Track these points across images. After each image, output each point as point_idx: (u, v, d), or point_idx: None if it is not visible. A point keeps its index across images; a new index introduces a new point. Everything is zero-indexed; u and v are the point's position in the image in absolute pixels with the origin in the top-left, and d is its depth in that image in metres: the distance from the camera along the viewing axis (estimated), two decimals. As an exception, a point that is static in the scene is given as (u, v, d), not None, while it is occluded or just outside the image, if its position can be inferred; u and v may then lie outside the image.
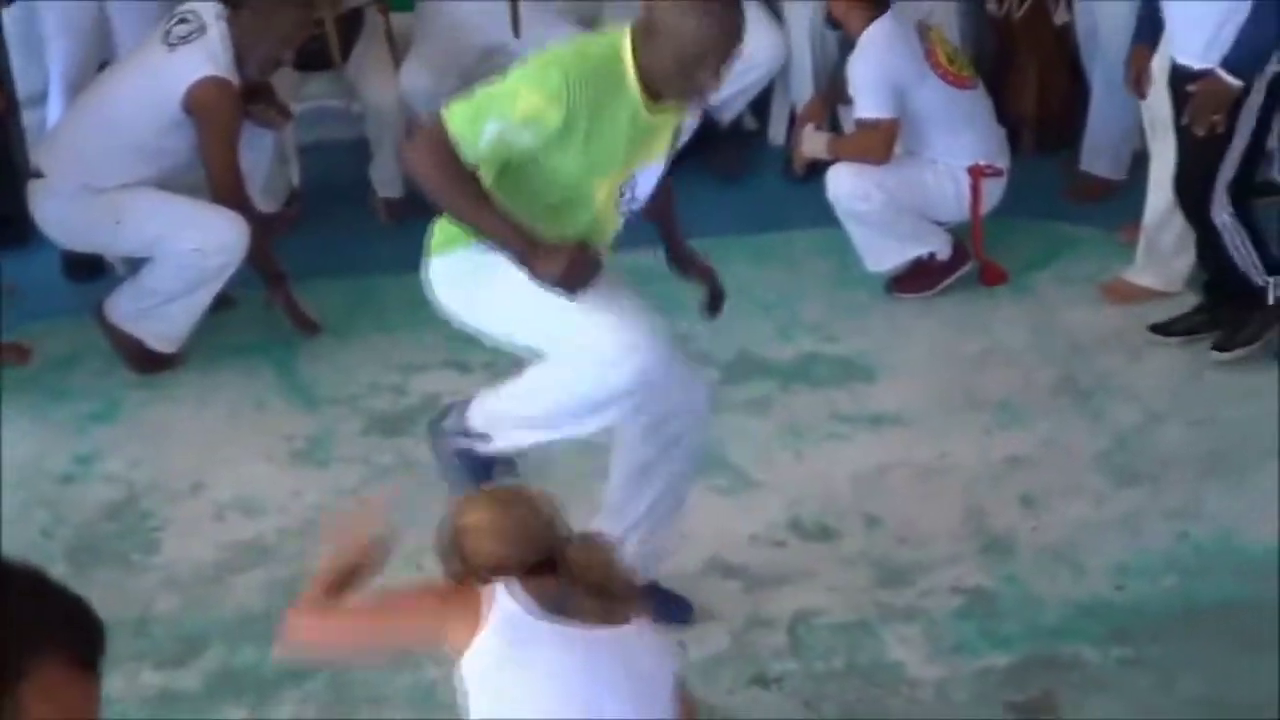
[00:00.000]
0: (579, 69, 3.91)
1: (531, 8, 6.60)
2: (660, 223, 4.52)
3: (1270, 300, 5.47)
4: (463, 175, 3.91)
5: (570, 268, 3.93)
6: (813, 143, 6.16)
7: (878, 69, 5.86)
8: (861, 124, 5.94)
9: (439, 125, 3.92)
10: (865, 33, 5.86)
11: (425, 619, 3.22)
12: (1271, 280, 5.45)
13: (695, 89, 4.00)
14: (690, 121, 4.24)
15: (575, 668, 3.11)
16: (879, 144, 5.88)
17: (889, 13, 5.89)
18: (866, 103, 5.89)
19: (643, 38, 3.93)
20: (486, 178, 3.95)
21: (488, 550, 3.14)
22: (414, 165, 4.05)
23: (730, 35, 3.93)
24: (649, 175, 4.18)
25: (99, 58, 6.37)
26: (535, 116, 3.86)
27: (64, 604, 1.78)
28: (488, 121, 3.87)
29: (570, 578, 3.12)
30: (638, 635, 3.17)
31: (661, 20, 3.90)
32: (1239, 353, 5.52)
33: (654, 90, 3.97)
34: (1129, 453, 5.17)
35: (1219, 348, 5.56)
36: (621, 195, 4.12)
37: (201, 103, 5.58)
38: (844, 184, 5.90)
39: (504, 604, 3.09)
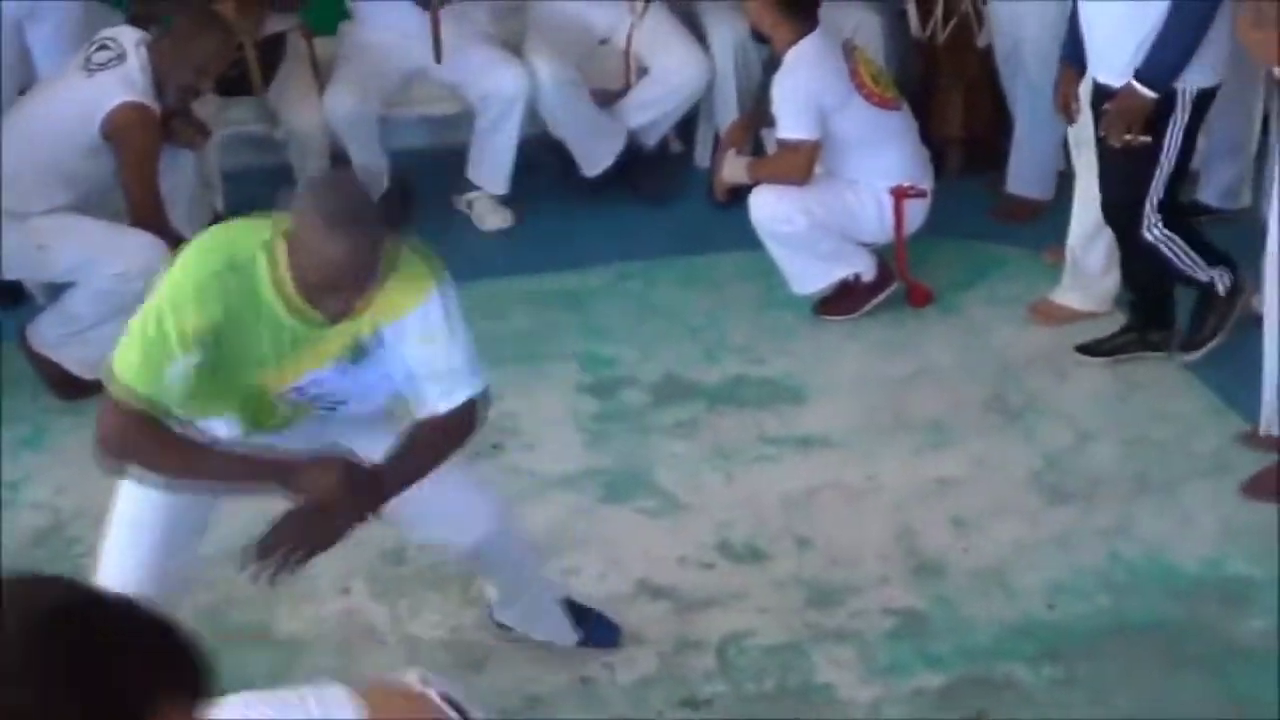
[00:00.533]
0: (209, 285, 3.54)
1: (453, 32, 6.58)
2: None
3: (1220, 291, 5.52)
4: (170, 442, 3.62)
5: (344, 481, 3.66)
6: (733, 168, 6.16)
7: (802, 89, 5.84)
8: (783, 145, 5.92)
9: (120, 400, 3.56)
10: (792, 50, 5.83)
11: None
12: (1215, 273, 5.49)
13: (332, 310, 3.59)
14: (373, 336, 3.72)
15: None
16: (799, 166, 5.87)
17: (817, 31, 5.87)
18: (788, 123, 5.87)
19: (287, 251, 3.53)
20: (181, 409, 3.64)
21: None
22: (118, 451, 3.69)
23: (362, 268, 3.50)
24: (334, 377, 3.77)
25: (16, 83, 6.30)
26: (197, 336, 3.53)
27: (182, 644, 1.76)
28: (166, 367, 3.53)
29: None
30: None
31: (296, 242, 3.49)
32: (1207, 349, 5.59)
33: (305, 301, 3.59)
34: (1059, 472, 5.18)
35: (1186, 348, 5.63)
36: (297, 389, 3.76)
37: (119, 128, 5.54)
38: (766, 207, 5.90)
39: None
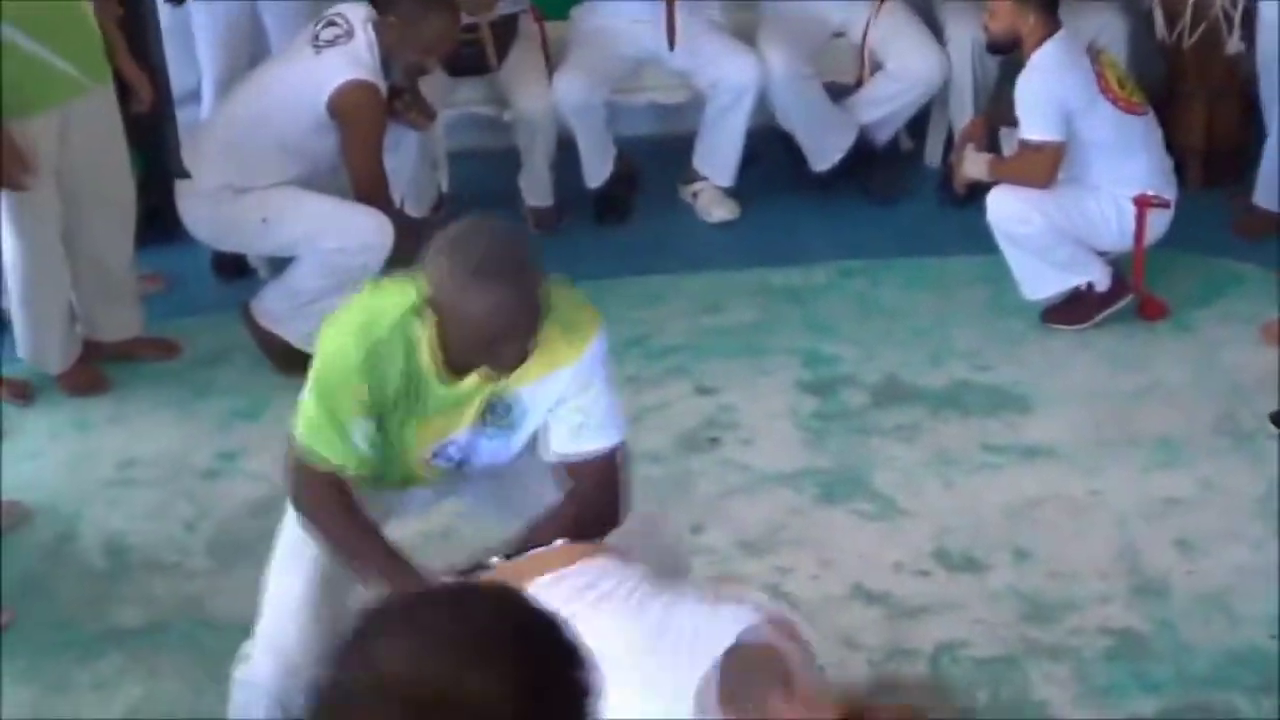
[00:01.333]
0: (372, 349, 3.51)
1: (686, 19, 6.54)
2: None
3: None
4: (353, 519, 3.64)
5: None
6: (974, 164, 6.01)
7: (1048, 90, 5.70)
8: (1026, 146, 5.79)
9: (313, 466, 3.62)
10: (1038, 52, 5.70)
11: None
12: None
13: (502, 363, 3.50)
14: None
15: None
16: (1043, 168, 5.73)
17: (1061, 32, 5.73)
18: (1033, 124, 5.73)
19: (433, 315, 3.46)
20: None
21: None
22: (308, 515, 3.71)
23: (525, 313, 3.39)
24: (473, 440, 3.71)
25: (249, 57, 6.38)
26: (372, 401, 3.54)
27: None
28: (351, 429, 3.55)
29: None
30: None
31: (444, 302, 3.40)
32: None
33: (454, 364, 3.55)
34: (1291, 499, 5.00)
35: None
36: (438, 452, 3.73)
37: (345, 105, 5.56)
38: (1005, 207, 5.77)
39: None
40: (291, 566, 3.81)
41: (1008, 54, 5.94)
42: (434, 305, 3.41)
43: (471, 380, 3.57)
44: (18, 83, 5.23)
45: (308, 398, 3.60)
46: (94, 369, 5.80)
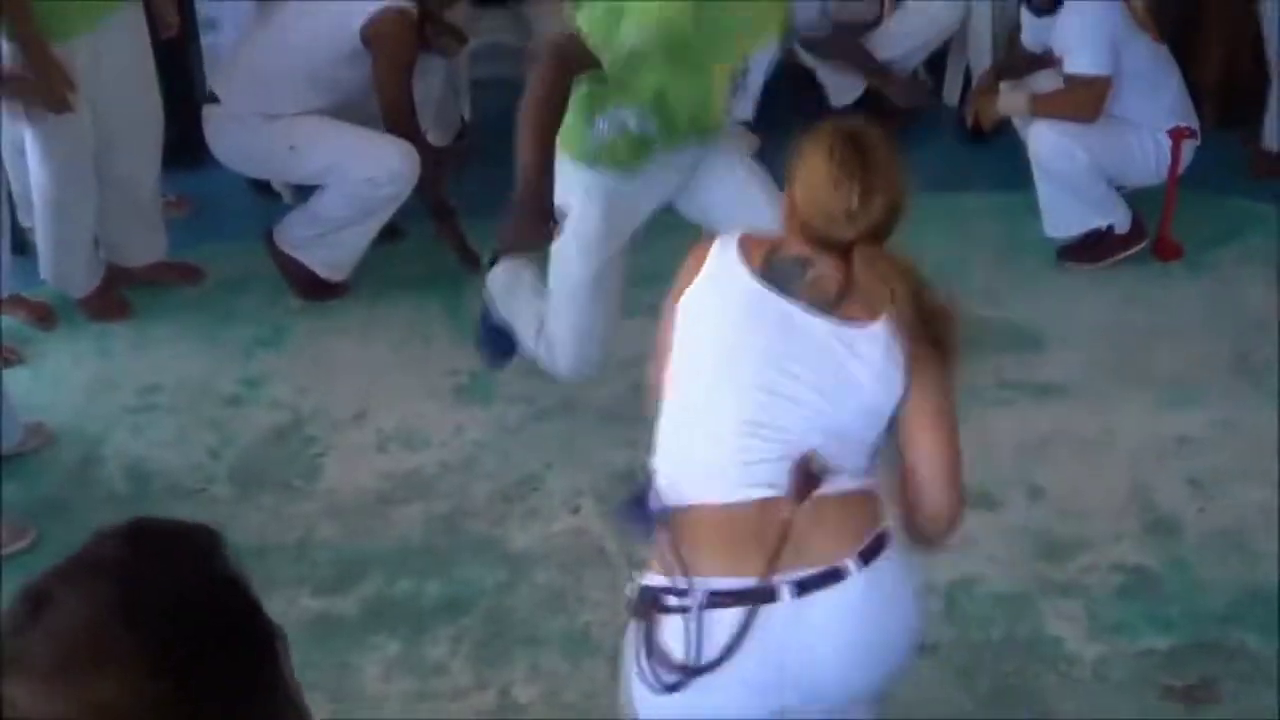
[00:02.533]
0: None
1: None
2: None
3: None
4: (546, 104, 4.15)
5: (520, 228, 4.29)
6: (1010, 101, 5.94)
7: (1097, 21, 5.66)
8: (1073, 80, 5.71)
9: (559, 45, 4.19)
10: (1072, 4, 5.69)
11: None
12: None
13: None
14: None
15: (740, 321, 3.02)
16: (1092, 102, 5.67)
17: None
18: (1082, 58, 5.67)
19: None
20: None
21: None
22: (527, 107, 4.16)
23: None
24: (760, 58, 4.39)
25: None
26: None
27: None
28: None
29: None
30: (867, 340, 2.94)
31: None
32: None
33: None
34: (1305, 436, 5.04)
35: None
36: (736, 75, 4.33)
37: (380, 32, 5.58)
38: (1048, 141, 5.75)
39: (721, 252, 3.06)
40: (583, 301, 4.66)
41: (1046, 11, 5.88)
42: None
43: None
44: (58, 3, 5.26)
45: None
46: (117, 294, 5.85)
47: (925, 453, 3.02)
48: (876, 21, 6.93)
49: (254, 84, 5.72)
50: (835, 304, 2.94)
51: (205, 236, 6.23)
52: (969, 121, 6.22)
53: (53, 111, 5.30)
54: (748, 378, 2.96)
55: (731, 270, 3.02)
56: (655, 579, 2.98)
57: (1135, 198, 5.97)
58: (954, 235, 6.16)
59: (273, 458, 5.05)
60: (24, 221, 5.89)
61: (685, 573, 2.92)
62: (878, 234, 2.96)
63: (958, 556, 4.56)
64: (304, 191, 5.95)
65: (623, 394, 5.14)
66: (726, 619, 2.90)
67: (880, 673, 3.08)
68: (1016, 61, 6.03)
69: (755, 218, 3.97)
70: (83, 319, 5.76)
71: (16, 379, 5.29)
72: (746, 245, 3.05)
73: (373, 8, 5.56)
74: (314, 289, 5.81)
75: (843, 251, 2.94)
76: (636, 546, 4.53)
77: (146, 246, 5.95)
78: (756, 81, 4.52)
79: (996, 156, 5.88)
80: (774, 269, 3.00)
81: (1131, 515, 4.76)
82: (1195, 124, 5.90)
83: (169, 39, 6.02)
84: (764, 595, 2.91)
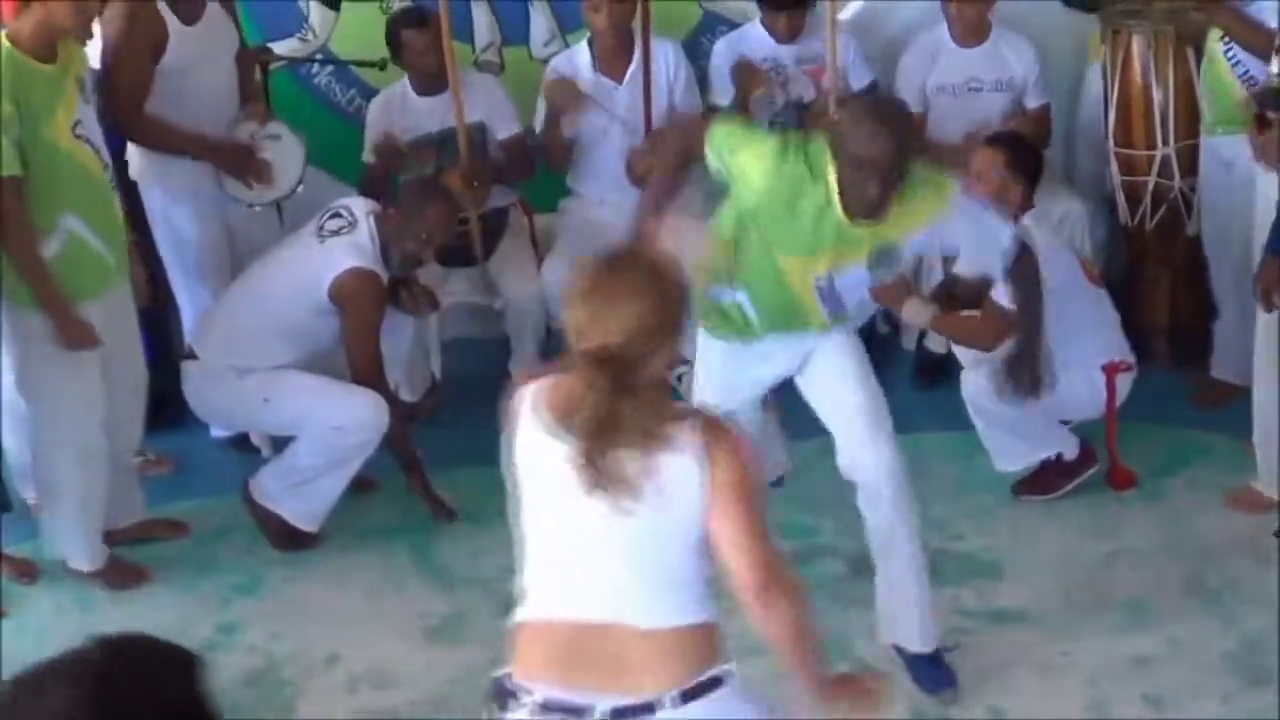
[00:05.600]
0: (794, 148, 4.59)
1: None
2: None
3: None
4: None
5: None
6: (916, 311, 5.87)
7: None
8: (991, 308, 5.70)
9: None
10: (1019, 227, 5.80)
11: None
12: None
13: (866, 202, 4.48)
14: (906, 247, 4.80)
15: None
16: (997, 336, 5.75)
17: (1034, 212, 5.98)
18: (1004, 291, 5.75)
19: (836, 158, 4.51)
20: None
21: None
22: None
23: (891, 152, 4.40)
24: (849, 280, 4.77)
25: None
26: (742, 171, 4.62)
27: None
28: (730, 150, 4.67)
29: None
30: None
31: (843, 131, 4.50)
32: None
33: (850, 203, 4.51)
34: (1259, 654, 5.14)
35: None
36: (819, 285, 4.72)
37: (347, 292, 5.84)
38: (976, 384, 5.94)
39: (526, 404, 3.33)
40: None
41: None
42: (836, 148, 4.49)
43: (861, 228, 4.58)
44: (77, 269, 5.49)
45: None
46: (129, 562, 5.92)
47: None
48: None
49: (229, 340, 5.96)
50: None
51: (186, 493, 6.37)
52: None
53: (72, 349, 5.46)
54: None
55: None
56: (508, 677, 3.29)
57: (1087, 428, 6.14)
58: (912, 474, 6.18)
59: (247, 700, 5.13)
60: (23, 492, 6.05)
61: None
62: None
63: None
64: (281, 445, 6.12)
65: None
66: None
67: None
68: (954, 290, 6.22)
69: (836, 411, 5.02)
70: (63, 573, 5.83)
71: (-1, 631, 5.38)
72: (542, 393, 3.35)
73: (341, 268, 5.83)
74: (288, 539, 5.94)
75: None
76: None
77: (131, 507, 6.07)
78: (851, 298, 4.90)
79: (949, 397, 6.05)
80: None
81: (1091, 733, 4.85)
82: (1130, 358, 6.09)
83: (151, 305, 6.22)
84: (583, 713, 3.17)
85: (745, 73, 6.95)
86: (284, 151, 6.37)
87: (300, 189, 6.48)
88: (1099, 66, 7.09)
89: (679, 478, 3.20)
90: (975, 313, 5.79)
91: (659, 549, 3.25)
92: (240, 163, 6.27)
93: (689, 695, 3.18)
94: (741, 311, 4.88)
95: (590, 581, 3.28)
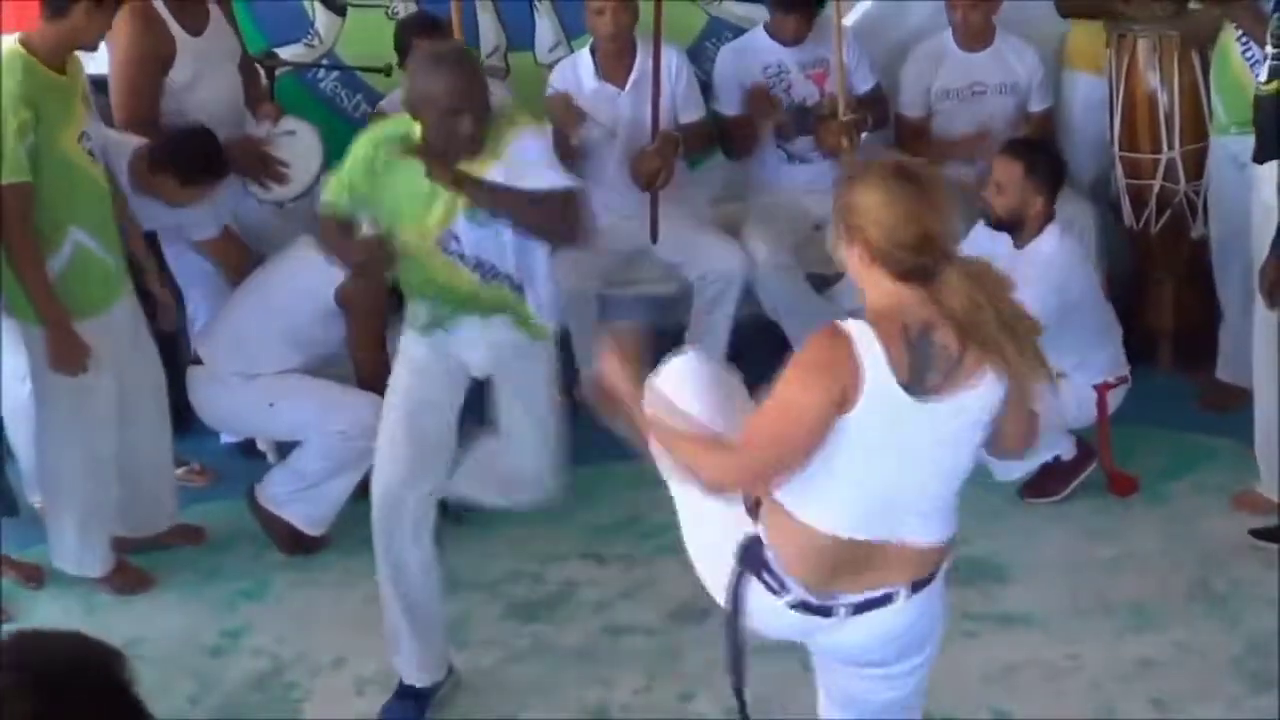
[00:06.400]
0: (361, 150, 4.77)
1: (672, 214, 6.79)
2: None
3: None
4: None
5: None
6: None
7: (1058, 284, 5.78)
8: None
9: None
10: (1049, 240, 5.90)
11: (801, 398, 3.35)
12: None
13: (456, 142, 4.55)
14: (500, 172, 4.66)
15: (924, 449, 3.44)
16: None
17: (1058, 220, 5.95)
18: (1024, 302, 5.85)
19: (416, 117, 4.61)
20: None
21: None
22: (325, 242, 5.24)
23: (460, 86, 4.50)
24: (474, 235, 4.69)
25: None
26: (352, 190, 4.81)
27: None
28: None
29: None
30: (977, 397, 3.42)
31: (416, 95, 4.57)
32: None
33: (434, 151, 4.59)
34: (1264, 658, 5.14)
35: None
36: (444, 245, 4.70)
37: (353, 293, 5.85)
38: None
39: (875, 376, 3.30)
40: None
41: (1007, 230, 6.02)
42: (411, 106, 4.60)
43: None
44: (85, 282, 5.52)
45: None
46: (135, 566, 5.94)
47: None
48: (839, 275, 7.15)
49: (235, 345, 5.99)
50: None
51: (194, 498, 6.37)
52: None
53: (68, 374, 5.47)
54: None
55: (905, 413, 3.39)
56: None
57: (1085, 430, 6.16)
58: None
59: (254, 703, 5.15)
60: (30, 497, 6.07)
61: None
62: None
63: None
64: (286, 451, 6.13)
65: (595, 634, 5.29)
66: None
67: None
68: None
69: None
70: (70, 578, 5.85)
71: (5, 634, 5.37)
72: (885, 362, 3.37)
73: (344, 273, 5.80)
74: (294, 544, 5.95)
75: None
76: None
77: (162, 514, 6.09)
78: (477, 247, 4.74)
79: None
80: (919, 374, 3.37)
81: (1097, 736, 4.86)
82: (1125, 372, 6.09)
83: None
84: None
85: (756, 99, 7.01)
86: (301, 147, 6.37)
87: (323, 179, 6.46)
88: (1086, 74, 7.10)
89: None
90: None
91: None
92: (253, 163, 6.27)
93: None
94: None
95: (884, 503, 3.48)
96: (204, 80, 6.28)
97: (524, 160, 4.64)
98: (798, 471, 3.40)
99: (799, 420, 3.35)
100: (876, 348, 3.31)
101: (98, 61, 6.07)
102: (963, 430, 3.46)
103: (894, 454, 3.40)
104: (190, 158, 5.97)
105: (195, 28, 6.25)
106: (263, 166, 6.26)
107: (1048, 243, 5.91)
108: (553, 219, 4.71)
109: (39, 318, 5.43)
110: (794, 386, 3.36)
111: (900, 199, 3.36)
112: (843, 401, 3.31)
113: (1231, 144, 6.42)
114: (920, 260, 3.34)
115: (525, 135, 4.70)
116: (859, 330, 3.33)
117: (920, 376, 3.34)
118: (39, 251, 5.37)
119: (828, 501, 3.45)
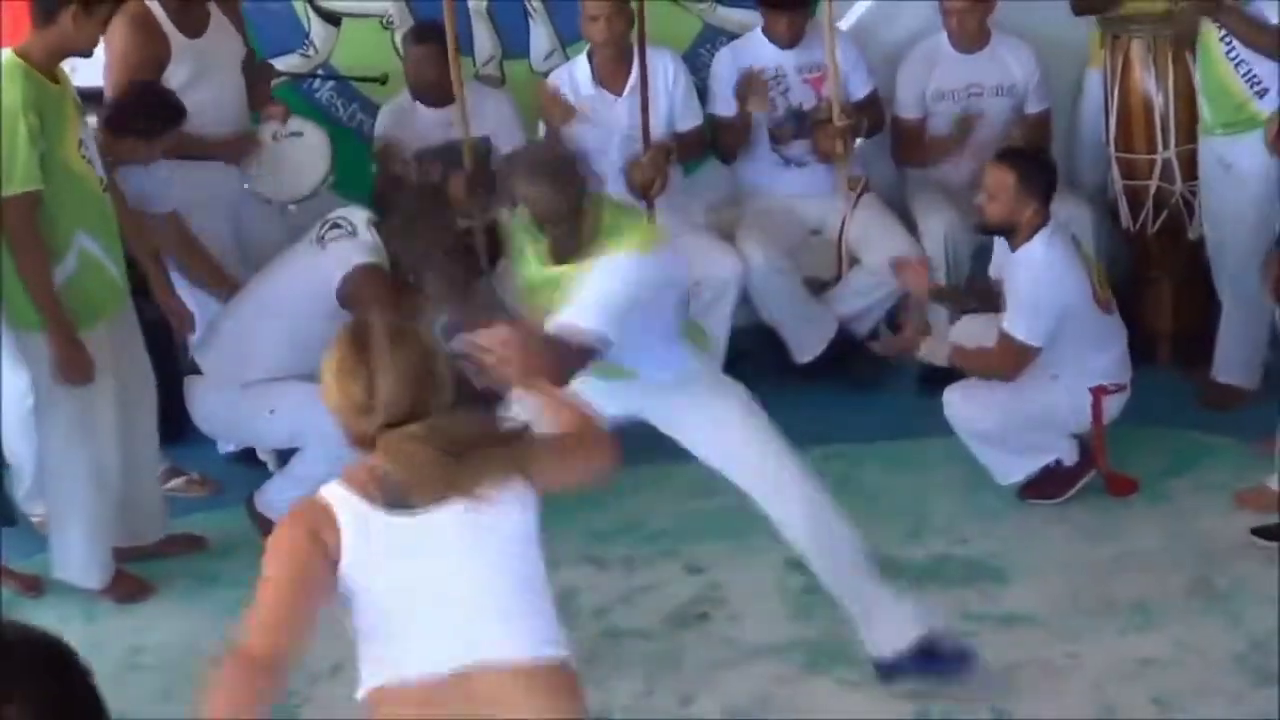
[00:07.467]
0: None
1: (669, 221, 6.75)
2: None
3: None
4: None
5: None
6: (934, 351, 6.11)
7: (1051, 294, 5.83)
8: (1007, 339, 5.86)
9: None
10: (1041, 246, 5.88)
11: (293, 561, 3.47)
12: None
13: (558, 247, 4.70)
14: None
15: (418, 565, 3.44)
16: (1015, 366, 5.86)
17: (1052, 224, 5.93)
18: (1021, 322, 5.83)
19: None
20: None
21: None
22: None
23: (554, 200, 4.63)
24: None
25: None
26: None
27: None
28: None
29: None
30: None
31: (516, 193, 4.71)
32: None
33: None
34: (1265, 655, 5.12)
35: None
36: None
37: (357, 287, 5.83)
38: (960, 408, 5.98)
39: (345, 502, 3.45)
40: None
41: (999, 235, 6.05)
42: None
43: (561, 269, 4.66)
44: (91, 289, 5.53)
45: None
46: (134, 575, 5.93)
47: None
48: (836, 279, 7.16)
49: (234, 353, 5.96)
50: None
51: (193, 507, 6.38)
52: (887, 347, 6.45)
53: (74, 385, 5.48)
54: None
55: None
56: None
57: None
58: (917, 479, 6.33)
59: (253, 708, 5.13)
60: (28, 509, 6.06)
61: None
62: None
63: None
64: (287, 460, 6.12)
65: (595, 638, 5.27)
66: None
67: None
68: (973, 290, 6.24)
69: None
70: (69, 588, 5.84)
71: (4, 645, 5.36)
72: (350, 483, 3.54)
73: (347, 266, 5.84)
74: (293, 551, 5.93)
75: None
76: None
77: (156, 524, 6.09)
78: None
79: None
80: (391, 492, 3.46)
81: (1098, 735, 4.84)
82: (1126, 376, 6.07)
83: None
84: None
85: (748, 83, 6.99)
86: (308, 148, 6.38)
87: (331, 181, 6.49)
88: (1097, 71, 7.09)
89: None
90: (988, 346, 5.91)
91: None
92: (246, 153, 6.28)
93: None
94: None
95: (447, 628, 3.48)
96: (203, 81, 6.29)
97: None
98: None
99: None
100: (340, 490, 3.51)
101: (87, 73, 6.07)
102: (485, 534, 3.52)
103: (402, 571, 3.47)
104: (142, 113, 5.97)
105: (194, 30, 6.27)
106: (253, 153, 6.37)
107: (1038, 248, 5.89)
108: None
109: (45, 326, 5.43)
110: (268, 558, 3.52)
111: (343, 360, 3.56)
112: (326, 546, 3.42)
113: (1217, 145, 6.43)
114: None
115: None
116: (327, 489, 3.53)
117: (400, 498, 3.43)
118: (47, 259, 5.38)
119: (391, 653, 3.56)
